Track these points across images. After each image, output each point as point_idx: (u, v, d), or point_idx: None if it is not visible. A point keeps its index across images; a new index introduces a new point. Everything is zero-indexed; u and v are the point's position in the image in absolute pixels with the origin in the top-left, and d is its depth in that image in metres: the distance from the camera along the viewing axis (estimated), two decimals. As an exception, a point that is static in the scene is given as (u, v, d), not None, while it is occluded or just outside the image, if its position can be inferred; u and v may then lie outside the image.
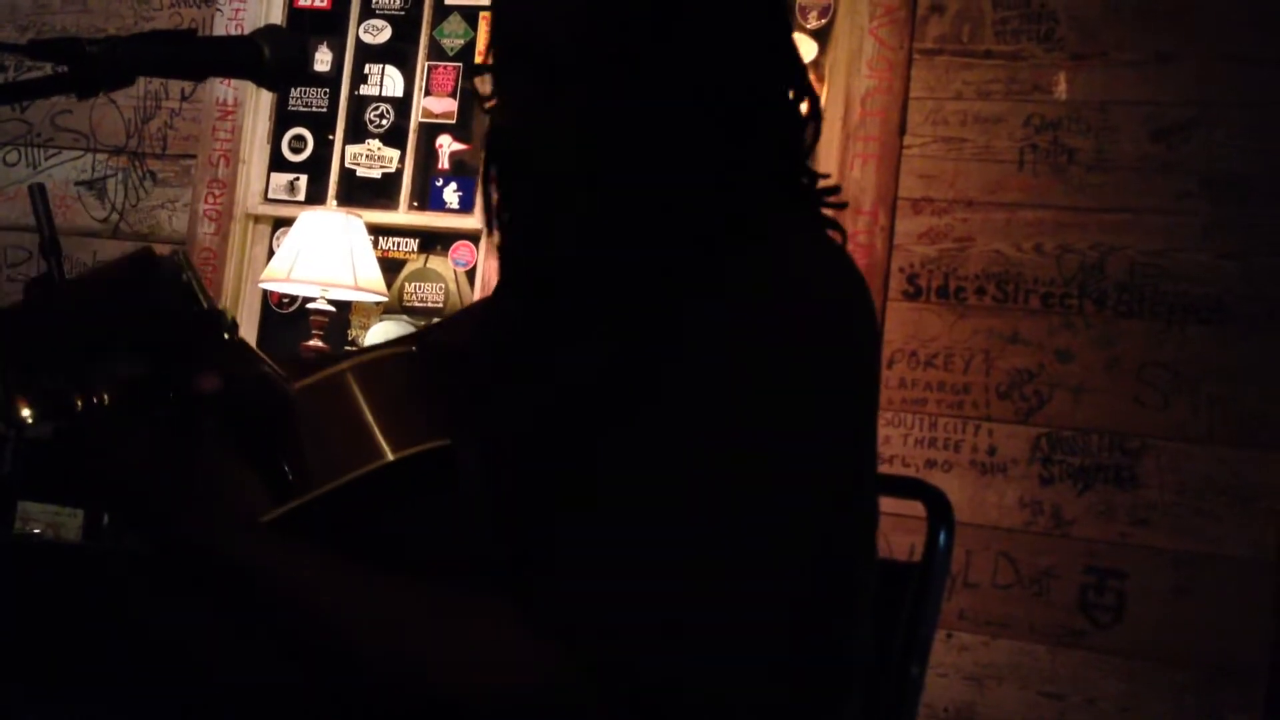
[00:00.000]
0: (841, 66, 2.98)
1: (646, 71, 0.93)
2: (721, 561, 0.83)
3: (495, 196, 1.02)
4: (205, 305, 0.86)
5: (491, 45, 1.02)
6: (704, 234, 0.93)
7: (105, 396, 0.80)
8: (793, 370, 0.87)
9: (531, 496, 0.93)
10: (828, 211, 1.02)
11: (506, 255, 1.05)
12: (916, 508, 1.22)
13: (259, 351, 0.93)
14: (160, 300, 0.83)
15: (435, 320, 1.33)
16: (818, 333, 0.89)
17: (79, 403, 0.79)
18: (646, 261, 0.94)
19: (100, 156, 3.53)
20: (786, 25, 1.03)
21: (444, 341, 1.20)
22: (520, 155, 0.97)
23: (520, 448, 0.96)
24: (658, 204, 0.94)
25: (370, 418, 0.91)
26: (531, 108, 0.96)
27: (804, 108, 1.00)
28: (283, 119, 3.60)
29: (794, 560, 0.86)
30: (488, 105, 1.01)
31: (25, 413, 0.78)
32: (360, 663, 0.83)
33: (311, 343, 3.14)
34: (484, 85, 1.02)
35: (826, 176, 1.03)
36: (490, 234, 1.07)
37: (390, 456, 0.90)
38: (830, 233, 1.00)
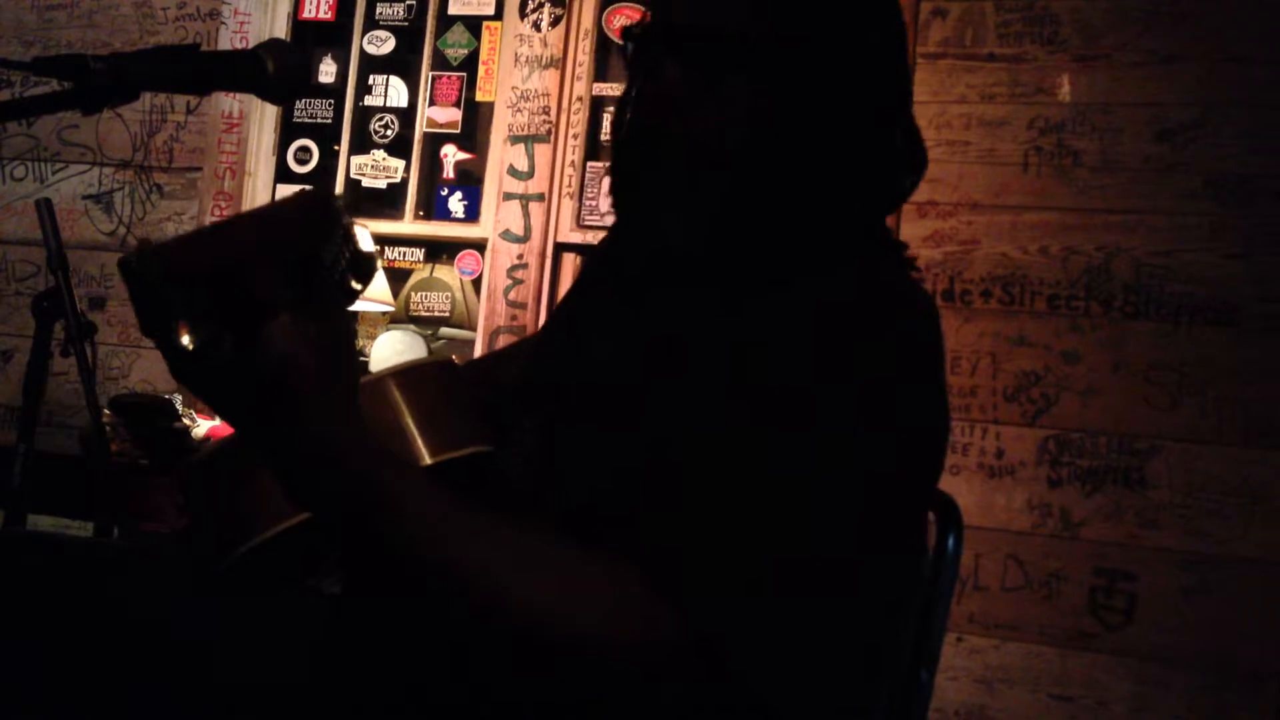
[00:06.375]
0: (845, 71, 2.97)
1: (821, 75, 0.94)
2: (822, 556, 0.84)
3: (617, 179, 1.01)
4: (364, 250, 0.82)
5: (657, 22, 1.00)
6: (829, 249, 0.95)
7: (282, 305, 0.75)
8: (907, 382, 0.90)
9: (614, 489, 0.92)
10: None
11: (617, 243, 1.05)
12: (924, 512, 1.22)
13: None
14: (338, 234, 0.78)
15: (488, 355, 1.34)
16: (924, 353, 0.93)
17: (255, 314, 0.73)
18: (771, 264, 0.94)
19: (107, 170, 3.54)
20: (909, 71, 1.05)
21: (503, 358, 1.21)
22: (670, 138, 0.95)
23: (606, 439, 0.95)
24: (797, 210, 0.95)
25: (409, 421, 0.91)
26: (700, 87, 0.94)
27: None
28: (288, 130, 3.61)
29: (885, 563, 0.88)
30: (645, 74, 0.98)
31: (185, 339, 0.71)
32: (477, 594, 0.80)
33: (319, 353, 3.15)
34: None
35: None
36: (618, 208, 1.04)
37: (427, 460, 0.90)
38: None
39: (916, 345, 0.92)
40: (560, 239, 3.14)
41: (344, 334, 0.80)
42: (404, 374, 0.93)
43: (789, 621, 0.82)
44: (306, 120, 3.63)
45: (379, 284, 3.20)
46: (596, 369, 1.01)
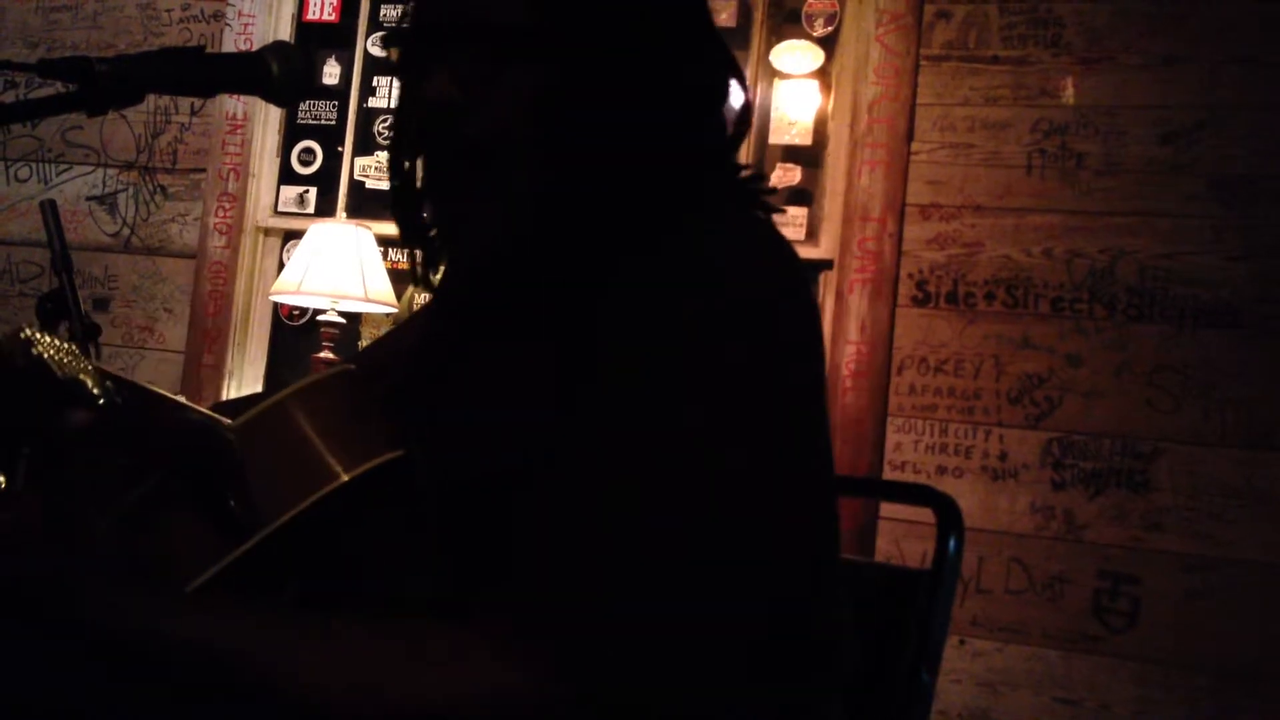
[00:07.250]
0: (848, 74, 2.98)
1: (600, 50, 0.92)
2: (692, 575, 0.80)
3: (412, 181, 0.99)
4: (61, 377, 0.84)
5: (423, 25, 0.97)
6: (643, 219, 0.91)
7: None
8: (732, 360, 0.84)
9: (483, 511, 0.89)
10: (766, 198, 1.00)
11: (427, 247, 1.01)
12: (928, 515, 1.22)
13: (176, 397, 0.91)
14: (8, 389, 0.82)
15: (378, 336, 1.29)
16: (747, 323, 0.86)
17: None
18: (586, 246, 0.91)
19: (111, 171, 3.55)
20: (710, 14, 1.01)
21: (385, 357, 1.18)
22: (461, 133, 0.93)
23: (466, 462, 0.92)
24: (601, 187, 0.91)
25: (317, 442, 0.89)
26: (479, 84, 0.92)
27: (739, 97, 0.99)
28: (292, 132, 3.61)
29: (762, 573, 0.83)
30: (418, 80, 0.95)
31: None
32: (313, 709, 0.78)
33: (322, 354, 3.15)
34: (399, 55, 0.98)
35: (749, 167, 1.01)
36: (403, 223, 1.01)
37: (344, 477, 0.88)
38: (766, 215, 0.97)
39: (769, 295, 0.87)
40: (564, 241, 3.14)
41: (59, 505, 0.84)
42: (301, 394, 0.91)
43: (688, 634, 0.79)
44: (310, 122, 3.63)
45: (382, 284, 3.19)
46: (452, 380, 0.99)
